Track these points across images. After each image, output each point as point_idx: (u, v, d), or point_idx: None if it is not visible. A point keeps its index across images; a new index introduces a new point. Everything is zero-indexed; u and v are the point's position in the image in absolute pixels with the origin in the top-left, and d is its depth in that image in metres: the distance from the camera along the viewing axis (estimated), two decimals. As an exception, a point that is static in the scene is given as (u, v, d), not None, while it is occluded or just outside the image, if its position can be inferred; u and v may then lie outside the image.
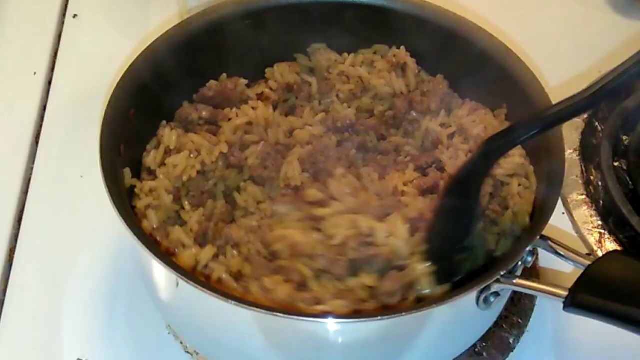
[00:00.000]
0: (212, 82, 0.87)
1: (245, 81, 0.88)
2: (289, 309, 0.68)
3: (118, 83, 0.79)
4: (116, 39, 1.11)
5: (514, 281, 0.68)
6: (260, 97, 0.87)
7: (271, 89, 0.88)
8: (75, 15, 1.16)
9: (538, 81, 0.80)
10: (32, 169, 0.97)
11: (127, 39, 1.08)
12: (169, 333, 0.82)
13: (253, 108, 0.84)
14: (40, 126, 1.01)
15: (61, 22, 1.15)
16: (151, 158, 0.80)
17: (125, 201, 0.74)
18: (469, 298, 0.68)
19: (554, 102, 0.78)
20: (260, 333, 0.69)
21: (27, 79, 1.07)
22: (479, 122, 0.83)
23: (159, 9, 1.14)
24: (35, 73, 1.07)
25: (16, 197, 0.93)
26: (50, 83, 1.07)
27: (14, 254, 0.89)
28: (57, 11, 1.16)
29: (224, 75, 0.88)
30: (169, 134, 0.81)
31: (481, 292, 0.68)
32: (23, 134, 1.00)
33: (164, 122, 0.83)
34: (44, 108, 1.04)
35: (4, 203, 0.92)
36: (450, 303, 0.65)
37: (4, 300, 0.85)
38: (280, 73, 0.89)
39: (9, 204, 0.92)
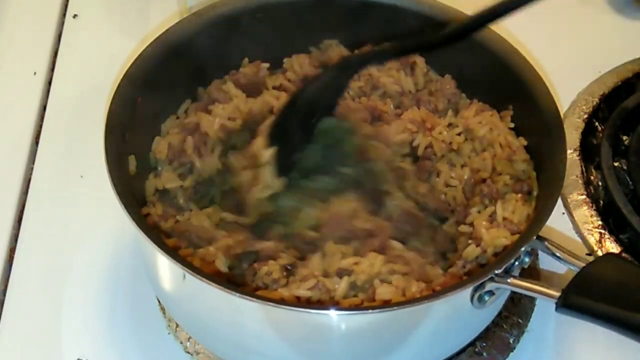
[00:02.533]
0: (245, 69, 0.88)
1: (267, 65, 0.89)
2: (288, 299, 0.69)
3: (127, 70, 0.79)
4: (116, 39, 1.11)
5: (508, 280, 0.67)
6: (279, 89, 0.88)
7: (289, 80, 0.89)
8: (75, 15, 1.16)
9: (543, 82, 0.80)
10: (32, 169, 0.97)
11: (127, 39, 1.08)
12: (169, 333, 0.82)
13: (277, 98, 0.85)
14: (40, 126, 1.01)
15: (61, 22, 1.15)
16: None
17: (128, 189, 0.73)
18: (463, 295, 0.68)
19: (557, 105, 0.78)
20: (264, 324, 0.68)
21: (27, 79, 1.06)
22: (485, 123, 0.83)
23: (159, 8, 1.14)
24: (35, 73, 1.07)
25: (16, 197, 0.93)
26: (50, 83, 1.06)
27: (14, 254, 0.88)
28: (57, 11, 1.16)
29: (246, 60, 0.89)
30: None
31: (475, 290, 0.68)
32: (23, 134, 1.00)
33: (189, 100, 0.86)
34: (44, 108, 1.04)
35: (4, 203, 0.92)
36: (444, 299, 0.65)
37: (4, 300, 0.85)
38: (299, 64, 0.89)
39: (9, 204, 0.92)
